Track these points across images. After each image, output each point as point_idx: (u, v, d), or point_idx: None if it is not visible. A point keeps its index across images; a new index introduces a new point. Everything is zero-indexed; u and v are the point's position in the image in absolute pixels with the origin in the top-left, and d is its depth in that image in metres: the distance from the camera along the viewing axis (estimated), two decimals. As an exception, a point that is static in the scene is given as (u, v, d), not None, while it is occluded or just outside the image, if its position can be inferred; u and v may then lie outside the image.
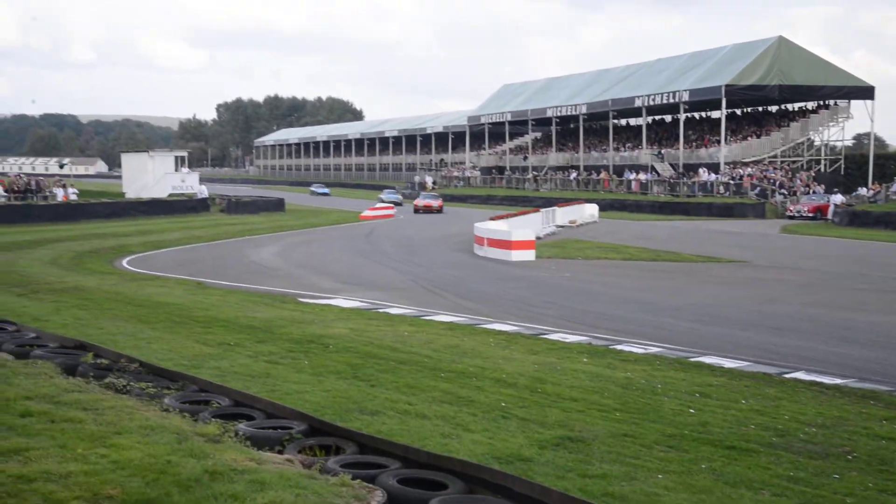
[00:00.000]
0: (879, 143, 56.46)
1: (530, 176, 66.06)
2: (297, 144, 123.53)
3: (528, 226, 29.56)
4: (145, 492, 4.88)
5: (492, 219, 30.01)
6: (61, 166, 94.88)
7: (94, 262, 23.74)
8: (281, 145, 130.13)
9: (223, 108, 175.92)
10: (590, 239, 31.46)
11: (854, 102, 55.33)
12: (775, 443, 7.41)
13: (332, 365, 10.02)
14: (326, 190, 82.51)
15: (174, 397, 7.43)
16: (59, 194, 45.88)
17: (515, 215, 32.10)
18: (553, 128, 69.27)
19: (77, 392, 7.24)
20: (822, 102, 56.20)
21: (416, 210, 52.08)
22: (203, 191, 53.50)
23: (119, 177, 65.84)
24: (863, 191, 45.27)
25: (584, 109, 63.53)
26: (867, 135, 55.97)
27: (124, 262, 23.93)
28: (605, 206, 47.12)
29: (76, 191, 49.12)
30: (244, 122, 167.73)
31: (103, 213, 42.35)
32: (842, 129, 57.11)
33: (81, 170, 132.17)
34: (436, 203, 53.12)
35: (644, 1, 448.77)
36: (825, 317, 15.01)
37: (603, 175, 59.05)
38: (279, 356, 10.53)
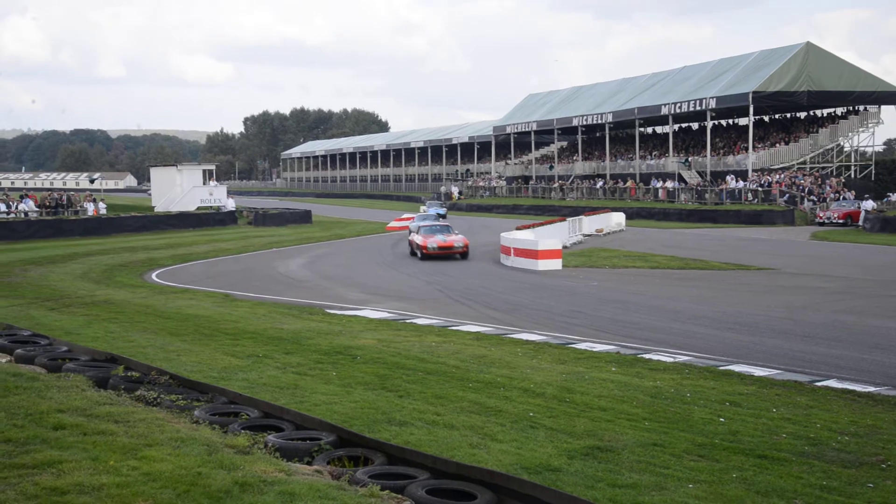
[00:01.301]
0: (911, 147, 55.83)
1: (556, 185, 65.95)
2: (324, 156, 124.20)
3: (554, 235, 29.49)
4: (176, 503, 4.93)
5: (518, 228, 29.94)
6: (91, 181, 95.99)
7: (125, 275, 23.99)
8: (307, 157, 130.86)
9: (250, 122, 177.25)
10: (617, 248, 31.32)
11: (884, 108, 54.78)
12: (807, 452, 7.35)
13: (359, 376, 10.06)
14: (443, 210, 53.26)
15: (204, 409, 7.49)
16: (90, 209, 46.39)
17: (542, 225, 32.04)
18: (579, 136, 69.12)
19: (109, 405, 7.32)
20: (851, 108, 55.66)
21: (425, 252, 28.61)
22: (231, 204, 53.86)
23: (148, 191, 66.54)
24: (894, 196, 44.76)
25: (610, 118, 63.34)
26: (898, 140, 55.39)
27: (154, 276, 24.16)
28: (631, 215, 46.94)
29: (106, 205, 49.68)
30: (271, 134, 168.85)
31: (133, 227, 42.80)
32: (872, 135, 56.46)
33: (111, 184, 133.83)
34: (458, 242, 29.04)
35: (670, 9, 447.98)
36: (857, 324, 14.86)
37: (629, 183, 58.82)
38: (307, 367, 10.58)
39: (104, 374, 8.74)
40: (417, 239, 29.33)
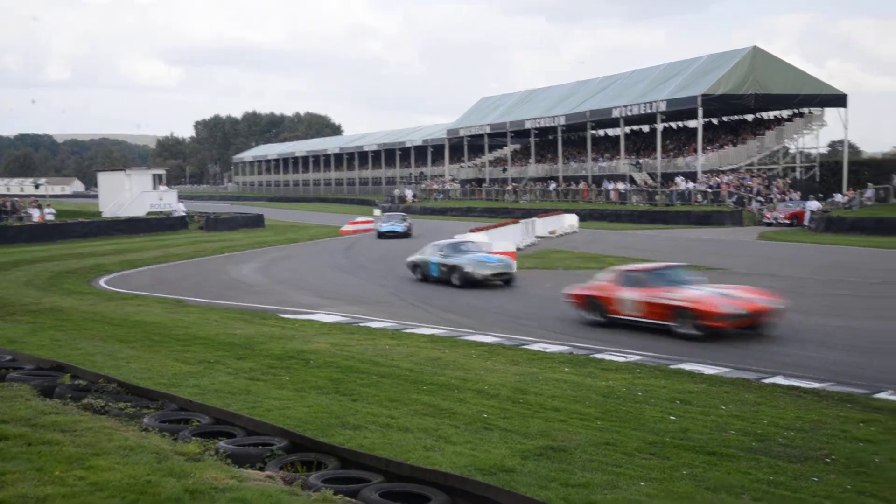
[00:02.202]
0: (853, 149, 57.15)
1: (510, 187, 66.19)
2: (276, 160, 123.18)
3: (508, 237, 29.56)
4: (125, 513, 4.86)
5: (472, 231, 29.97)
6: (37, 186, 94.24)
7: (71, 282, 23.56)
8: (260, 161, 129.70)
9: (201, 126, 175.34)
10: (570, 249, 31.53)
11: (828, 110, 55.82)
12: (755, 448, 7.47)
13: (313, 380, 10.01)
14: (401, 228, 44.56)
15: (153, 416, 7.40)
16: (35, 215, 45.50)
17: (495, 227, 32.09)
18: (532, 139, 69.43)
19: (54, 414, 7.20)
20: (796, 111, 56.67)
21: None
22: (181, 208, 53.24)
23: (96, 196, 65.39)
24: (838, 197, 45.63)
25: (562, 121, 63.74)
26: (841, 142, 56.48)
27: (102, 282, 23.78)
28: (584, 217, 47.21)
29: (53, 211, 48.77)
30: (222, 138, 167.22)
31: (80, 233, 42.08)
32: (816, 137, 57.60)
33: (58, 189, 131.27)
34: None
35: (621, 14, 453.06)
36: (802, 323, 15.10)
37: (582, 185, 59.24)
38: (260, 372, 10.51)
39: (50, 383, 8.59)
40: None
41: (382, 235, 41.33)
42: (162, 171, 64.59)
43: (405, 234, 41.67)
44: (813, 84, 54.30)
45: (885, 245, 30.57)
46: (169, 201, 55.05)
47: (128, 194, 53.71)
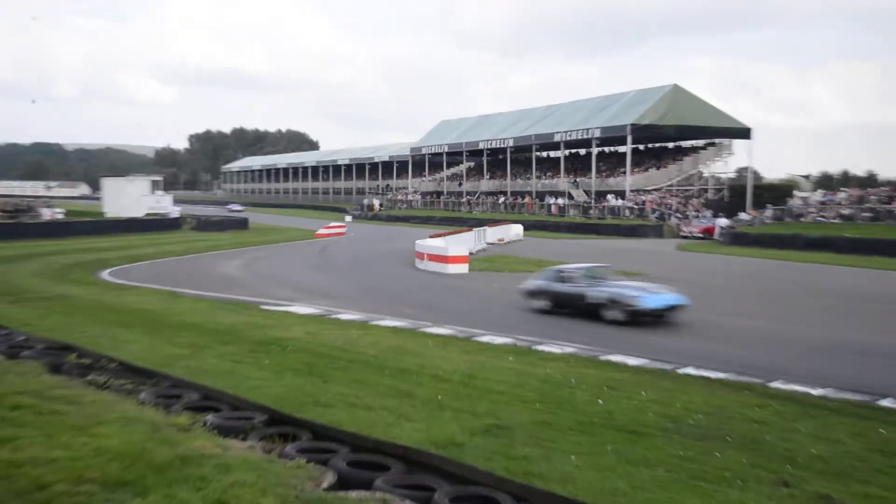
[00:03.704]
0: (756, 175, 58.06)
1: (464, 200, 66.26)
2: (260, 171, 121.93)
3: (462, 243, 29.57)
4: (123, 475, 4.82)
5: (431, 237, 30.00)
6: (48, 189, 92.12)
7: (78, 273, 23.14)
8: (246, 171, 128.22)
9: (194, 139, 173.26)
10: (515, 255, 31.64)
11: (735, 141, 56.76)
12: (669, 428, 7.57)
13: (289, 363, 9.95)
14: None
15: (149, 392, 7.33)
16: (47, 214, 44.65)
17: (451, 234, 32.17)
18: (484, 158, 69.62)
19: (62, 388, 7.10)
20: (709, 141, 57.62)
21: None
22: (175, 211, 52.46)
23: (100, 199, 64.15)
24: (743, 215, 46.28)
25: (511, 143, 64.04)
26: (746, 168, 57.40)
27: (105, 274, 23.37)
28: (528, 227, 47.34)
29: (62, 211, 47.87)
30: (213, 150, 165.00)
31: (86, 231, 41.21)
32: (725, 164, 58.55)
33: (67, 192, 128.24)
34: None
35: (562, 52, 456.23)
36: (712, 322, 15.35)
37: (527, 199, 59.51)
38: (243, 356, 10.42)
39: (58, 361, 8.47)
40: None
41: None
42: (159, 178, 63.51)
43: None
44: (723, 119, 55.21)
45: (781, 257, 31.18)
46: (165, 204, 54.23)
47: (128, 198, 52.72)
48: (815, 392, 9.43)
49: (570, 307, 15.66)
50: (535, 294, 16.59)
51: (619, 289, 15.32)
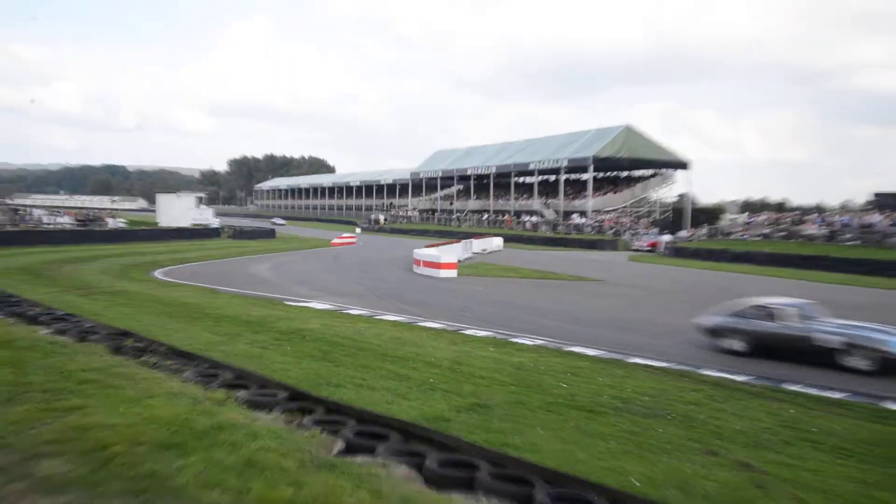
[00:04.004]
0: (693, 200, 58.37)
1: (455, 216, 66.33)
2: (286, 190, 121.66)
3: (452, 252, 29.55)
4: (170, 439, 4.81)
5: (426, 247, 29.99)
6: (112, 202, 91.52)
7: (135, 272, 23.03)
8: (274, 190, 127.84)
9: (232, 162, 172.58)
10: (496, 263, 31.69)
11: (677, 172, 57.18)
12: (620, 407, 7.60)
13: (307, 350, 9.93)
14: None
15: (191, 372, 7.31)
16: (111, 223, 44.44)
17: (443, 244, 32.13)
18: (471, 182, 69.71)
19: (121, 367, 7.07)
20: (656, 171, 57.99)
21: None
22: (215, 222, 52.27)
23: (155, 211, 63.82)
24: (682, 233, 46.52)
25: (493, 170, 64.18)
26: (685, 194, 57.77)
27: (157, 273, 23.26)
28: (508, 239, 47.41)
29: (123, 220, 47.64)
30: (247, 172, 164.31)
31: (142, 237, 41.05)
32: (669, 190, 59.03)
33: (128, 205, 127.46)
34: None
35: (537, 96, 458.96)
36: (654, 320, 15.40)
37: (506, 217, 59.63)
38: (269, 343, 10.39)
39: (118, 344, 8.43)
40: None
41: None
42: (202, 195, 63.59)
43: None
44: (667, 153, 55.61)
45: (712, 268, 31.32)
46: (207, 217, 54.04)
47: (178, 210, 52.54)
48: (739, 378, 9.49)
49: (783, 350, 11.04)
50: (721, 332, 11.92)
51: (859, 331, 10.62)
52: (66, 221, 42.22)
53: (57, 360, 7.05)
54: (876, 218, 35.74)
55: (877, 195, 41.97)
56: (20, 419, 5.06)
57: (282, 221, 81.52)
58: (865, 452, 6.48)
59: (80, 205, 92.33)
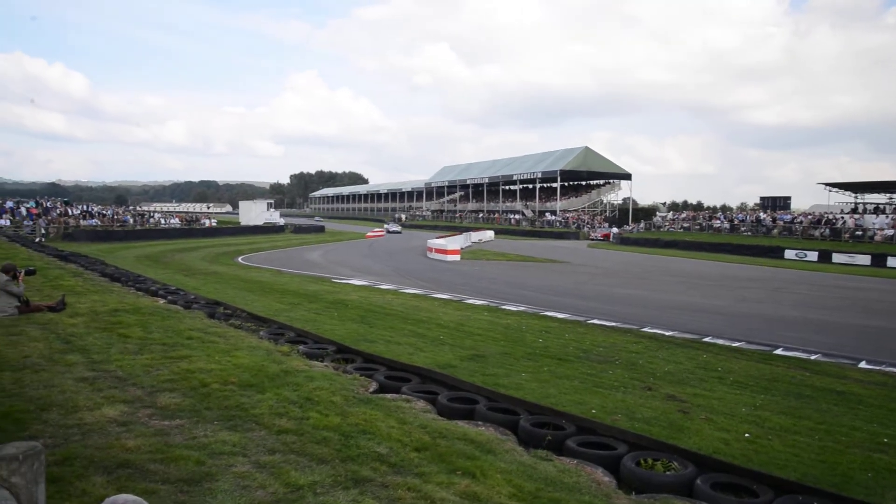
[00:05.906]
0: (634, 202, 58.25)
1: (458, 215, 66.15)
2: (332, 196, 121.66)
3: (456, 242, 29.38)
4: (251, 380, 4.84)
5: (437, 237, 29.94)
6: (208, 207, 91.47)
7: (224, 259, 23.12)
8: (323, 197, 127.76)
9: (293, 176, 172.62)
10: (489, 249, 31.63)
11: (623, 181, 56.82)
12: (581, 356, 7.58)
13: (349, 315, 9.94)
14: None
15: (265, 331, 7.34)
16: (207, 223, 44.67)
17: (450, 236, 32.04)
18: (470, 190, 69.57)
19: (214, 328, 7.12)
20: (607, 181, 57.62)
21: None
22: (281, 221, 52.28)
23: (238, 214, 63.87)
24: (626, 227, 46.40)
25: (486, 180, 63.94)
26: (629, 198, 57.54)
27: (239, 259, 23.32)
28: (498, 232, 47.29)
29: (215, 221, 47.82)
30: (304, 184, 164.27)
31: (229, 233, 41.14)
32: (616, 195, 58.68)
33: (218, 210, 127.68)
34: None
35: (518, 125, 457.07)
36: (608, 291, 15.34)
37: (496, 216, 59.46)
38: (321, 310, 10.40)
39: (212, 311, 8.48)
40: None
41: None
42: (272, 201, 63.27)
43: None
44: (614, 167, 55.21)
45: (649, 252, 31.23)
46: (275, 217, 54.07)
47: (254, 213, 52.62)
48: (668, 333, 9.45)
49: None
50: None
51: None
52: (175, 222, 42.51)
53: (170, 322, 7.11)
54: (762, 215, 36.39)
55: (762, 198, 42.25)
56: (147, 364, 5.12)
57: (319, 219, 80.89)
58: (755, 385, 6.49)
59: (185, 210, 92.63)
